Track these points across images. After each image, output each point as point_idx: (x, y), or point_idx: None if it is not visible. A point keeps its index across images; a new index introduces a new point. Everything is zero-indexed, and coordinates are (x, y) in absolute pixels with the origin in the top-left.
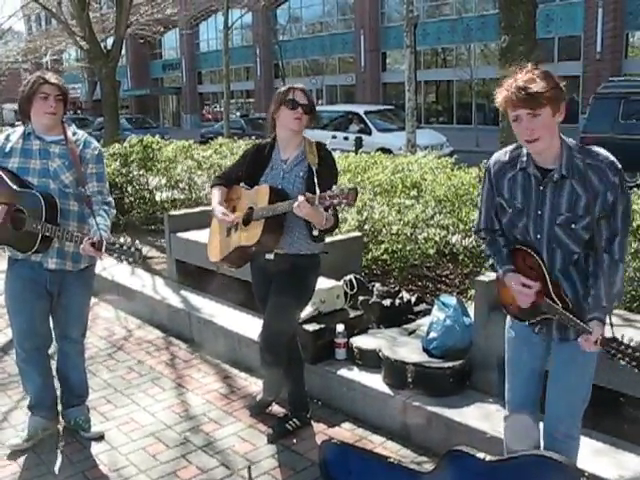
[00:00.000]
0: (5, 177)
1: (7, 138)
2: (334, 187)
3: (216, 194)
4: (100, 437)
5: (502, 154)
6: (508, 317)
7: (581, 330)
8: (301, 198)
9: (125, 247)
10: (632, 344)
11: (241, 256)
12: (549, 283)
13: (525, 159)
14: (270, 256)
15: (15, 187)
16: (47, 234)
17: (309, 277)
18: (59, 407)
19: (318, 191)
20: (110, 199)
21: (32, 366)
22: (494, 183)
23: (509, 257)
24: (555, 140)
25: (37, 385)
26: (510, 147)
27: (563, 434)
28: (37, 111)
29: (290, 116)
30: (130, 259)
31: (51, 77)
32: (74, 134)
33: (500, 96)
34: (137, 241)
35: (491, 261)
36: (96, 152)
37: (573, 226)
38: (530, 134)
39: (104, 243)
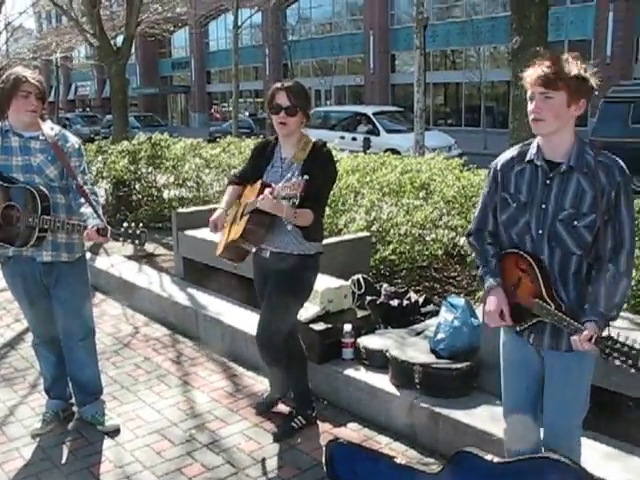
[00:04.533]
0: None
1: None
2: (293, 178)
3: (226, 194)
4: (116, 430)
5: (511, 150)
6: (502, 330)
7: (574, 330)
8: (266, 191)
9: (130, 231)
10: (628, 342)
11: (235, 251)
12: (542, 284)
13: (535, 151)
14: (266, 254)
15: (3, 183)
16: (45, 226)
17: (304, 277)
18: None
19: (281, 184)
20: (95, 189)
21: (47, 346)
22: (499, 178)
23: (497, 269)
24: (567, 134)
25: (52, 364)
26: (520, 144)
27: (563, 447)
28: (17, 109)
29: (275, 121)
30: (137, 241)
31: (31, 76)
32: (52, 129)
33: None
34: (140, 224)
35: (480, 273)
36: (76, 146)
37: (575, 223)
38: (536, 113)
39: (109, 229)
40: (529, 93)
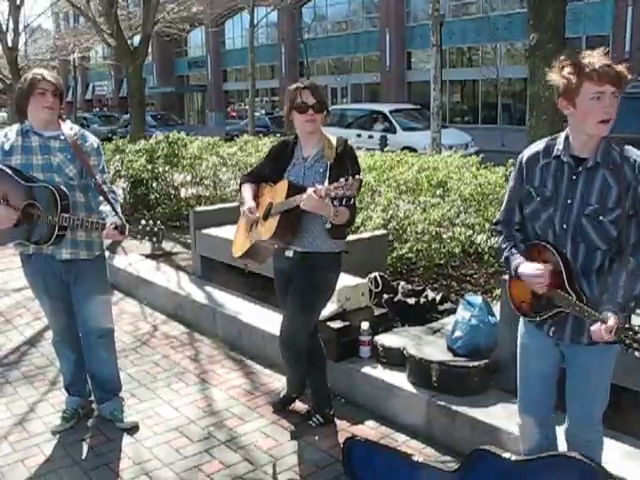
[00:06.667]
0: (12, 174)
1: (5, 136)
2: (341, 179)
3: (247, 190)
4: (135, 427)
5: (537, 144)
6: (521, 324)
7: (595, 321)
8: (309, 191)
9: (148, 228)
10: None
11: (260, 251)
12: (564, 276)
13: (561, 147)
14: (289, 253)
15: (24, 182)
16: (65, 224)
17: (328, 276)
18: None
19: (326, 184)
20: (114, 188)
21: (66, 344)
22: (524, 171)
23: (525, 252)
24: None
25: (72, 362)
26: (547, 138)
27: (584, 439)
28: (35, 106)
29: (302, 119)
30: (154, 238)
31: (47, 74)
32: (71, 129)
33: (576, 69)
34: (158, 222)
35: (505, 255)
36: (95, 145)
37: (601, 218)
38: (608, 113)
39: (127, 226)
40: (595, 90)
